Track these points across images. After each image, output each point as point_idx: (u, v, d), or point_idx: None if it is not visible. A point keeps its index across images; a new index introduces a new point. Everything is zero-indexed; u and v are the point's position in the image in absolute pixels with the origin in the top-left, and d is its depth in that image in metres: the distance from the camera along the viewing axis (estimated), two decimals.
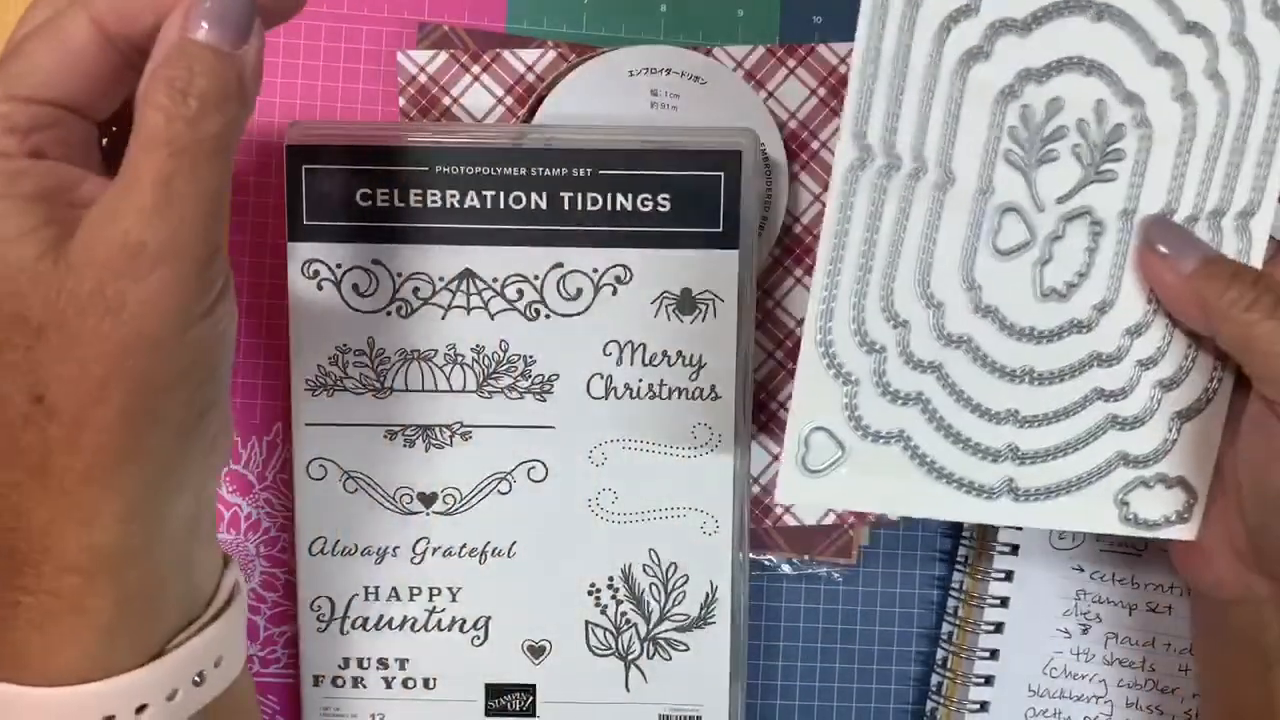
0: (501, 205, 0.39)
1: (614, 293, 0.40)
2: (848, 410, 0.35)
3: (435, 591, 0.41)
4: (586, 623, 0.41)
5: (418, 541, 0.41)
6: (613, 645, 0.42)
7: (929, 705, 0.44)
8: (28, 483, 0.27)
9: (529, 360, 0.40)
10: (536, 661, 0.42)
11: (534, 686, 0.42)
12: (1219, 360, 0.35)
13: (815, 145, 0.43)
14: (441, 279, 0.40)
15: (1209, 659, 0.38)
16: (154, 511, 0.28)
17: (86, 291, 0.26)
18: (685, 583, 0.41)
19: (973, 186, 0.34)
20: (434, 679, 0.42)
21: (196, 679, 0.30)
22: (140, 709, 0.28)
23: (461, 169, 0.39)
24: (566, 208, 0.39)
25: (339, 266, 0.40)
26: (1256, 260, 0.34)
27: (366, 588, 0.41)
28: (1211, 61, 0.34)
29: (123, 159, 0.27)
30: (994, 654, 0.43)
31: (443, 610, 0.41)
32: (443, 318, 0.40)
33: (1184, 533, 0.36)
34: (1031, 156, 0.34)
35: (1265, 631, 0.34)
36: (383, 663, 0.42)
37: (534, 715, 0.42)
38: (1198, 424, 0.35)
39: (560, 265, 0.40)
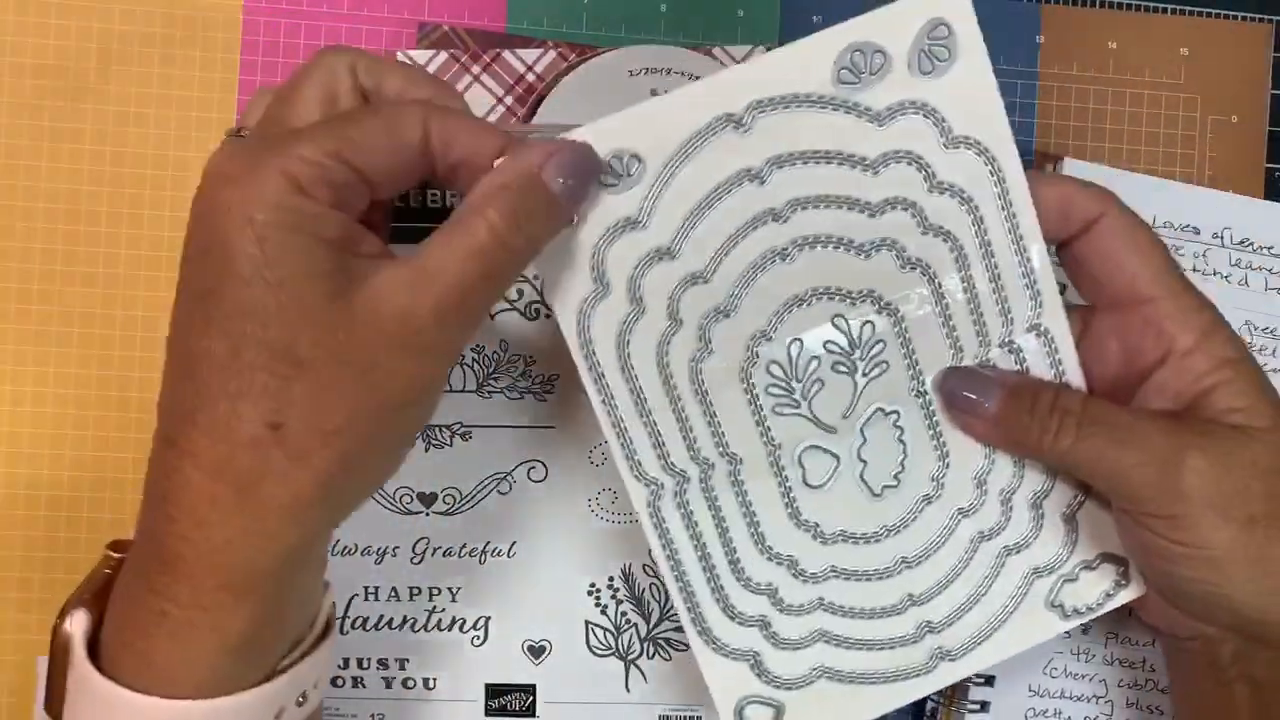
0: None
1: None
2: (761, 677, 0.35)
3: (435, 591, 0.41)
4: (586, 623, 0.42)
5: (418, 541, 0.41)
6: (613, 645, 0.42)
7: (929, 705, 0.44)
8: (228, 499, 0.27)
9: (529, 360, 0.40)
10: (536, 661, 0.42)
11: (534, 686, 0.42)
12: None
13: None
14: None
15: (1179, 685, 0.38)
16: (313, 548, 0.30)
17: (357, 347, 0.28)
18: None
19: (761, 454, 0.35)
20: (434, 679, 0.42)
21: (300, 699, 0.31)
22: None
23: None
24: None
25: None
26: (1067, 350, 0.35)
27: (366, 588, 0.41)
28: (921, 220, 0.34)
29: (430, 242, 0.29)
30: None
31: (443, 610, 0.41)
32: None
33: (1131, 593, 0.36)
34: (799, 399, 0.35)
35: (1219, 654, 0.35)
36: (383, 663, 0.42)
37: (534, 715, 0.42)
38: (1090, 508, 0.36)
39: None
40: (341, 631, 0.41)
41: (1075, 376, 0.35)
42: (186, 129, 0.43)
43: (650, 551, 0.35)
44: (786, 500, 0.35)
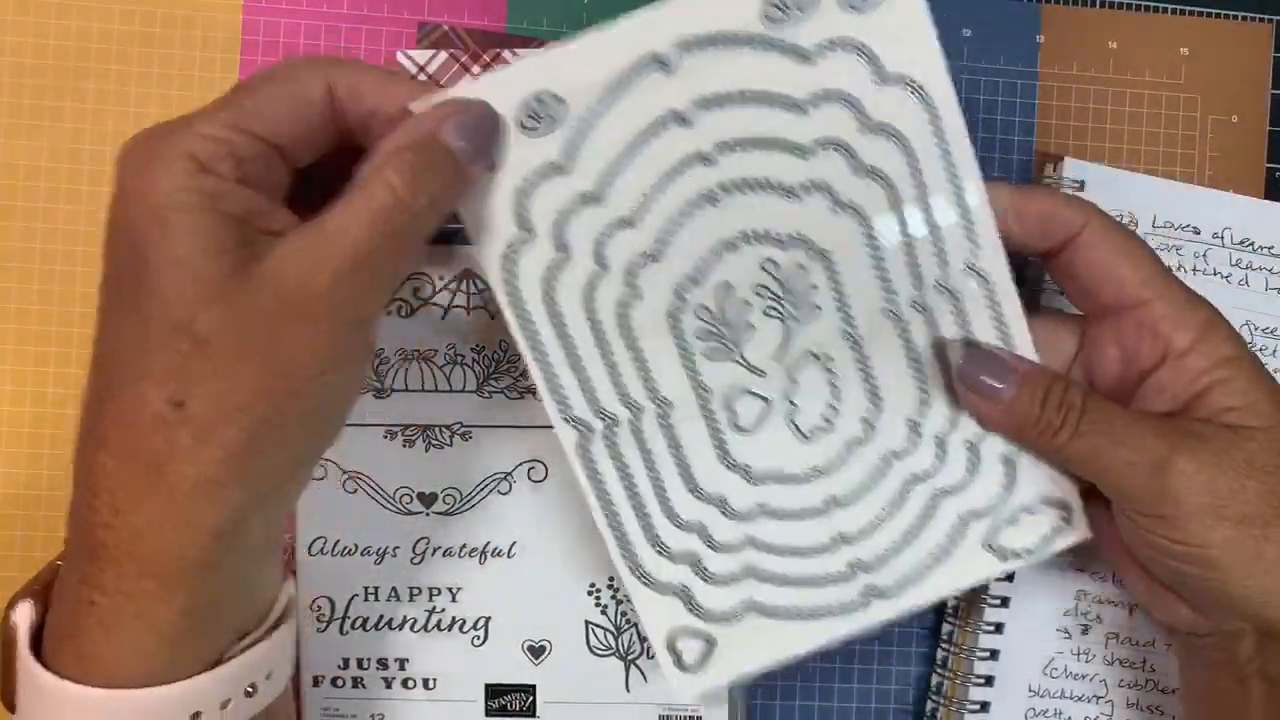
0: None
1: None
2: (692, 610, 0.36)
3: (435, 591, 0.41)
4: (586, 623, 0.41)
5: (418, 541, 0.41)
6: (613, 645, 0.42)
7: (929, 705, 0.44)
8: (139, 482, 0.27)
9: None
10: (536, 661, 0.42)
11: (534, 687, 0.42)
12: None
13: None
14: (441, 279, 0.40)
15: (1192, 685, 0.38)
16: (241, 531, 0.29)
17: (258, 319, 0.27)
18: None
19: (690, 398, 0.35)
20: (434, 679, 0.42)
21: (249, 690, 0.31)
22: (195, 716, 0.29)
23: None
24: None
25: None
26: (1007, 294, 0.34)
27: (366, 588, 0.41)
28: (854, 161, 0.33)
29: (329, 209, 0.28)
30: (994, 654, 0.43)
31: (443, 610, 0.41)
32: (443, 318, 0.40)
33: (1074, 536, 0.36)
34: (729, 342, 0.34)
35: (1238, 650, 0.35)
36: (383, 663, 0.42)
37: (534, 715, 0.42)
38: (1030, 451, 0.36)
39: None
40: (341, 631, 0.41)
41: (1016, 321, 0.35)
42: None
43: (581, 491, 0.35)
44: (716, 443, 0.35)
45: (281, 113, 0.29)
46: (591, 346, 0.34)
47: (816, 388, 0.35)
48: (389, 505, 0.41)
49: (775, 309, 0.34)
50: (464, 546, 0.41)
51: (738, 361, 0.35)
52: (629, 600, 0.36)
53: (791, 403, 0.35)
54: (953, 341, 0.35)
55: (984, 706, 0.43)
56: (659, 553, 0.35)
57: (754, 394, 0.35)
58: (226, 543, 0.29)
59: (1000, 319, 0.35)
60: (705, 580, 0.36)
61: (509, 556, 0.41)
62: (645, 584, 0.36)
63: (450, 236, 0.39)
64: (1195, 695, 0.38)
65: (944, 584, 0.36)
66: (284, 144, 0.30)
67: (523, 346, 0.33)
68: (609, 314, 0.34)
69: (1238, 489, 0.32)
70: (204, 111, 0.29)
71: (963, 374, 0.35)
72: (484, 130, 0.31)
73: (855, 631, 0.36)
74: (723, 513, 0.36)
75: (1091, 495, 0.37)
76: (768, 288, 0.34)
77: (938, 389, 0.36)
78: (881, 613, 0.36)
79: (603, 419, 0.34)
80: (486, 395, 0.40)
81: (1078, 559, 0.43)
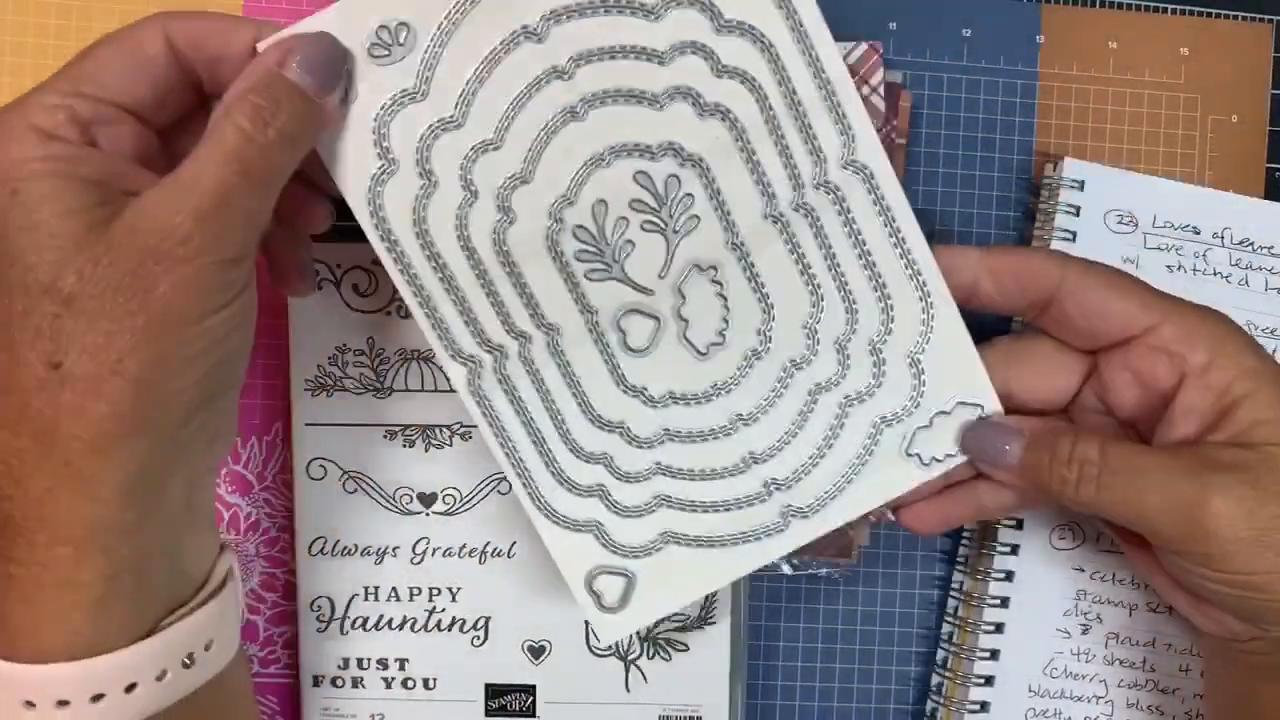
0: None
1: None
2: (607, 546, 0.35)
3: (435, 591, 0.41)
4: (586, 623, 0.41)
5: (418, 541, 0.41)
6: (612, 645, 0.42)
7: (929, 705, 0.44)
8: (32, 449, 0.27)
9: None
10: (536, 661, 0.42)
11: (534, 687, 0.42)
12: (916, 282, 0.34)
13: None
14: None
15: (1225, 690, 0.38)
16: (151, 489, 0.29)
17: (123, 270, 0.27)
18: None
19: (579, 322, 0.34)
20: (434, 679, 0.42)
21: (186, 660, 0.30)
22: (130, 688, 0.29)
23: None
24: None
25: (339, 266, 0.40)
26: (892, 189, 0.33)
27: (366, 588, 0.41)
28: (714, 63, 0.33)
29: (185, 160, 0.28)
30: (994, 654, 0.43)
31: (443, 610, 0.41)
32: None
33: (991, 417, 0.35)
34: (610, 261, 0.34)
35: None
36: (383, 663, 0.42)
37: (534, 715, 0.42)
38: (935, 350, 0.35)
39: None
40: (341, 631, 0.41)
41: (906, 221, 0.34)
42: None
43: (479, 431, 0.34)
44: (610, 366, 0.35)
45: (120, 72, 0.29)
46: (470, 276, 0.33)
47: (706, 301, 0.34)
48: (389, 505, 0.41)
49: (653, 222, 0.34)
50: (464, 546, 0.41)
51: (621, 280, 0.34)
52: (541, 539, 0.35)
53: (682, 318, 0.34)
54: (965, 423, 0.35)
55: (984, 706, 0.43)
56: (566, 488, 0.35)
57: (642, 313, 0.34)
58: (140, 502, 0.28)
59: (891, 219, 0.34)
60: (617, 513, 0.35)
61: (509, 556, 0.41)
62: (555, 523, 0.35)
63: None
64: (1229, 698, 0.37)
65: (865, 497, 0.35)
66: (129, 103, 0.30)
67: (399, 282, 0.33)
68: (484, 241, 0.33)
69: (1278, 514, 0.31)
70: (43, 83, 0.29)
71: (968, 447, 0.35)
72: (328, 62, 0.30)
73: (777, 557, 0.35)
74: (626, 440, 0.35)
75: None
76: (643, 201, 0.33)
77: (830, 293, 0.35)
78: (802, 533, 0.35)
79: (490, 351, 0.34)
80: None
81: (1079, 560, 0.43)
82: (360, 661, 0.42)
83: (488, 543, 0.41)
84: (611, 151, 0.33)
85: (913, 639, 0.45)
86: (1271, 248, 0.44)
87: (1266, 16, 0.46)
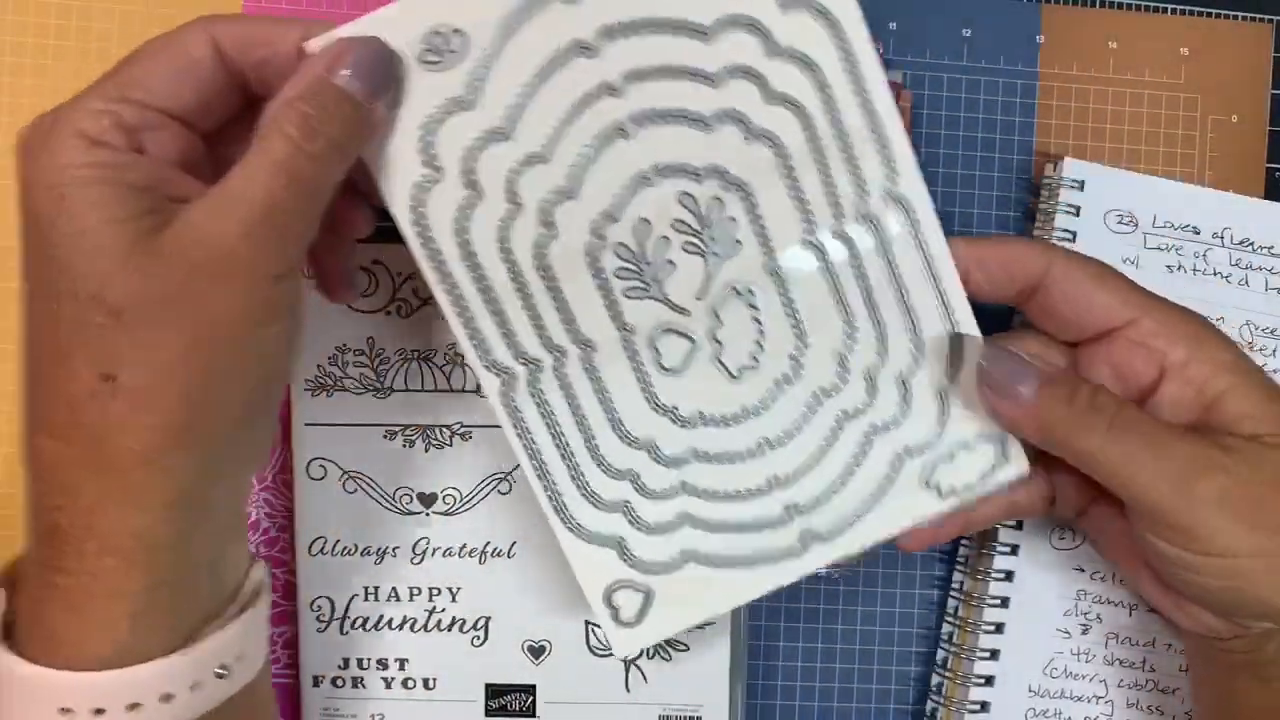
0: None
1: None
2: (627, 561, 0.35)
3: (435, 591, 0.41)
4: (586, 623, 0.41)
5: (418, 541, 0.41)
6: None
7: (929, 705, 0.44)
8: (82, 460, 0.27)
9: None
10: (536, 661, 0.42)
11: (534, 686, 0.42)
12: (946, 319, 0.35)
13: None
14: None
15: (1210, 688, 0.38)
16: (197, 502, 0.29)
17: (172, 283, 0.27)
18: None
19: (614, 338, 0.34)
20: (434, 679, 0.42)
21: (220, 671, 0.30)
22: (165, 697, 0.29)
23: None
24: None
25: None
26: (930, 224, 0.34)
27: (366, 588, 0.41)
28: (764, 88, 0.33)
29: (233, 169, 0.28)
30: (994, 654, 0.43)
31: (443, 610, 0.41)
32: (443, 318, 0.40)
33: (1012, 472, 0.36)
34: (650, 281, 0.34)
35: (1262, 652, 0.34)
36: (383, 663, 0.42)
37: (534, 715, 0.42)
38: (963, 383, 0.35)
39: None
40: (341, 631, 0.41)
41: (942, 256, 0.34)
42: None
43: (508, 442, 0.34)
44: (643, 385, 0.35)
45: (166, 77, 0.29)
46: (509, 289, 0.33)
47: (741, 325, 0.35)
48: (389, 505, 0.41)
49: (694, 244, 0.34)
50: (464, 546, 0.41)
51: (659, 300, 0.34)
52: (563, 551, 0.35)
53: (717, 341, 0.35)
54: (971, 339, 0.35)
55: (984, 706, 0.43)
56: (591, 502, 0.35)
57: (678, 333, 0.34)
58: (186, 515, 0.28)
59: (926, 250, 0.34)
60: (640, 530, 0.35)
61: (509, 556, 0.41)
62: (578, 536, 0.35)
63: None
64: (1213, 697, 0.38)
65: (882, 525, 0.36)
66: (176, 108, 0.29)
67: (437, 291, 0.33)
68: (525, 254, 0.33)
69: (1266, 500, 0.32)
70: (89, 88, 0.29)
71: (985, 374, 0.34)
72: (379, 69, 0.30)
73: (793, 580, 0.35)
74: (654, 458, 0.35)
75: (1096, 503, 0.37)
76: (685, 222, 0.33)
77: (864, 323, 0.35)
78: (819, 558, 0.36)
79: (525, 364, 0.34)
80: (487, 395, 0.40)
81: (1079, 560, 0.43)
82: (360, 661, 0.42)
83: (488, 543, 0.41)
84: (658, 171, 0.33)
85: (913, 639, 0.45)
86: (1271, 248, 0.44)
87: (1266, 16, 0.46)
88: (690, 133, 0.33)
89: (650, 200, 0.33)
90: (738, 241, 0.34)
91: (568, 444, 0.35)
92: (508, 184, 0.32)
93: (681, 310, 0.34)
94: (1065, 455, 0.34)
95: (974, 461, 0.35)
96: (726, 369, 0.35)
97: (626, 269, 0.34)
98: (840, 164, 0.33)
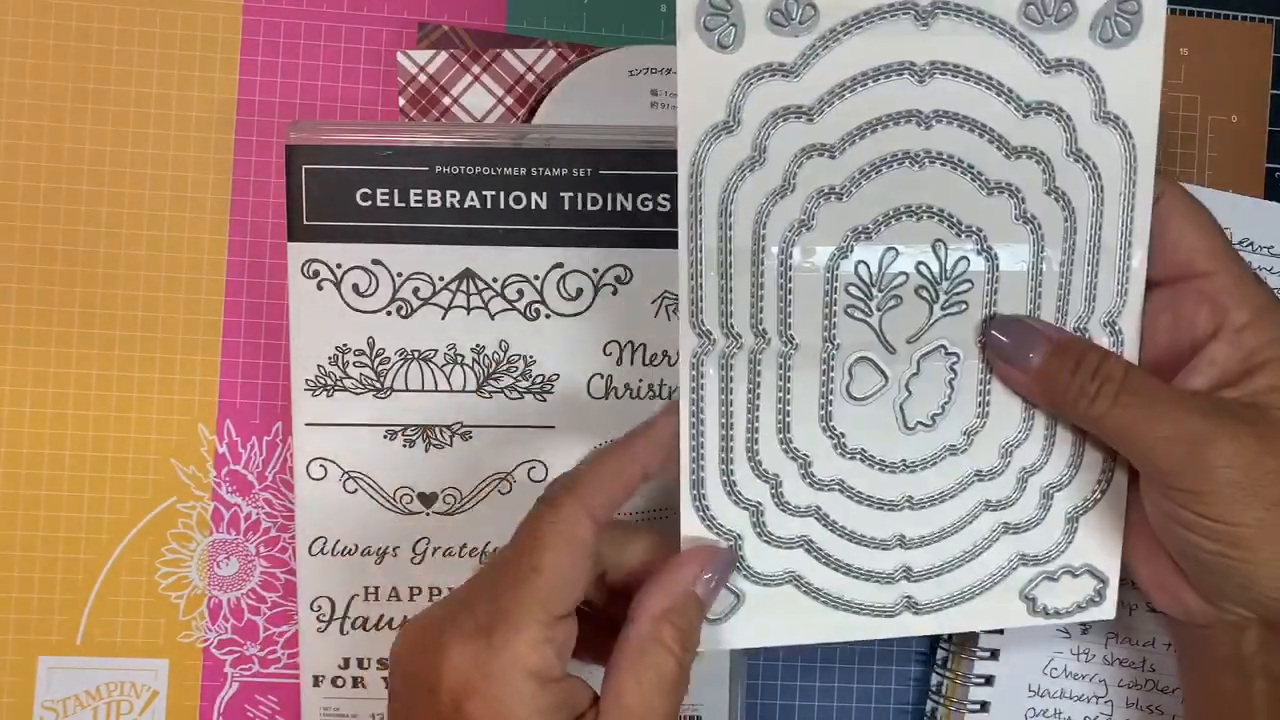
0: (501, 205, 0.39)
1: (614, 293, 0.40)
2: (736, 561, 0.35)
3: (435, 591, 0.41)
4: None
5: (418, 541, 0.41)
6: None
7: (929, 705, 0.44)
8: None
9: (529, 360, 0.40)
10: None
11: None
12: (1109, 454, 0.36)
13: None
14: (441, 279, 0.40)
15: (1193, 680, 0.38)
16: None
17: None
18: None
19: (817, 347, 0.34)
20: None
21: None
22: None
23: (461, 169, 0.39)
24: (566, 208, 0.39)
25: (339, 266, 0.40)
26: (1131, 354, 0.35)
27: (366, 588, 0.41)
28: (1049, 179, 0.34)
29: (619, 677, 0.30)
30: (994, 654, 0.43)
31: None
32: (443, 318, 0.40)
33: (1101, 614, 0.37)
34: (874, 307, 0.34)
35: (1242, 644, 0.35)
36: (383, 663, 0.42)
37: None
38: (1094, 516, 0.36)
39: (560, 265, 0.40)
40: (341, 631, 0.41)
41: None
42: (186, 129, 0.43)
43: (679, 401, 0.34)
44: (823, 401, 0.35)
45: (574, 579, 0.31)
46: (746, 260, 0.33)
47: (935, 383, 0.35)
48: (389, 505, 0.41)
49: (928, 291, 0.34)
50: (464, 546, 0.41)
51: (874, 329, 0.34)
52: (681, 526, 0.34)
53: (907, 389, 0.35)
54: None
55: (984, 706, 0.43)
56: (727, 492, 0.35)
57: (876, 366, 0.35)
58: None
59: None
60: (760, 536, 0.35)
61: None
62: (702, 519, 0.35)
63: (449, 237, 0.39)
64: (1197, 695, 0.38)
65: (969, 620, 0.36)
66: (579, 602, 0.31)
67: (682, 237, 0.33)
68: (776, 233, 0.33)
69: (1272, 473, 0.32)
70: (515, 610, 0.30)
71: (993, 341, 0.35)
72: (725, 574, 0.33)
73: (874, 638, 0.36)
74: (802, 474, 0.35)
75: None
76: (929, 267, 0.34)
77: (1038, 428, 0.36)
78: (907, 626, 0.36)
79: (728, 336, 0.34)
80: (486, 395, 0.40)
81: None
82: (360, 661, 0.42)
83: (488, 543, 0.41)
84: (928, 210, 0.34)
85: (912, 639, 0.45)
86: (1271, 248, 0.44)
87: (1266, 16, 0.46)
88: (970, 188, 0.34)
89: (907, 234, 0.34)
90: (965, 304, 0.34)
91: (731, 427, 0.34)
92: (791, 163, 0.33)
93: (889, 347, 0.34)
94: (1075, 421, 0.35)
95: (1074, 590, 0.37)
96: (904, 418, 0.35)
97: (858, 287, 0.34)
98: (1082, 275, 0.35)
